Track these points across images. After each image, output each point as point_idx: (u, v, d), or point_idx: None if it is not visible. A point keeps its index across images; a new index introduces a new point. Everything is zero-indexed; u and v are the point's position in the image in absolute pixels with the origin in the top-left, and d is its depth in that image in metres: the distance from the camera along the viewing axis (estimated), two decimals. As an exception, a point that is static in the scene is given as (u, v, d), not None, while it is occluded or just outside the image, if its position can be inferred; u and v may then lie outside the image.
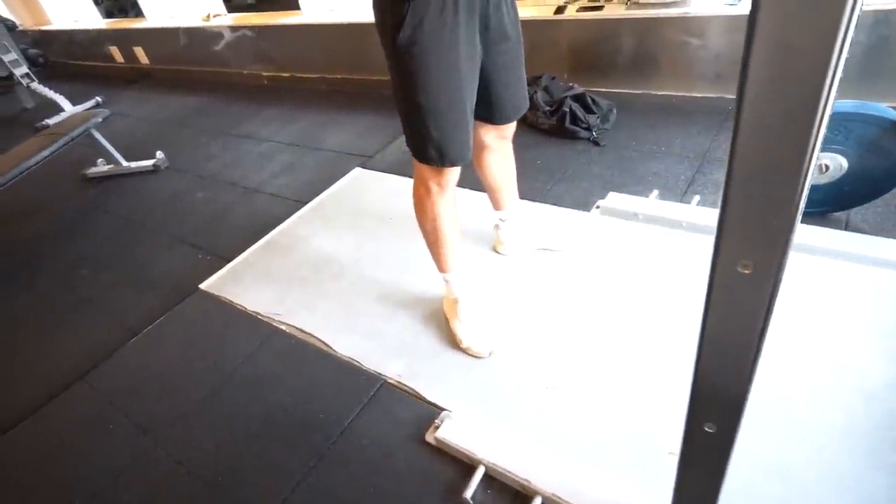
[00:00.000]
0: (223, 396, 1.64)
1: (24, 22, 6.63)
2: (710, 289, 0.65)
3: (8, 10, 6.53)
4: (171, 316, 2.02)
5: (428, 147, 1.29)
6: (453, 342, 1.59)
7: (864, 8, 2.14)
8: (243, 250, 2.27)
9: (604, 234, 1.90)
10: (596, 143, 2.44)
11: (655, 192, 2.01)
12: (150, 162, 3.34)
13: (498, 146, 1.61)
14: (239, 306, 1.96)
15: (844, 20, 0.37)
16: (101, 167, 3.45)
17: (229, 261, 2.23)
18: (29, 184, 2.82)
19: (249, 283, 2.07)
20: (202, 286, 2.11)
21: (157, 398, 1.70)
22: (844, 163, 1.68)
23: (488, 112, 1.43)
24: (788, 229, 0.56)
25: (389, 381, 1.54)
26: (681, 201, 2.00)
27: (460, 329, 1.58)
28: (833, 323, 1.42)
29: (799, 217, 0.52)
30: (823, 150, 1.67)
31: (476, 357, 1.54)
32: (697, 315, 0.60)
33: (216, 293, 2.06)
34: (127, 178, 3.33)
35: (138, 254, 2.53)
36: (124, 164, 3.37)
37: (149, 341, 1.94)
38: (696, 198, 1.95)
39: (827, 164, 1.71)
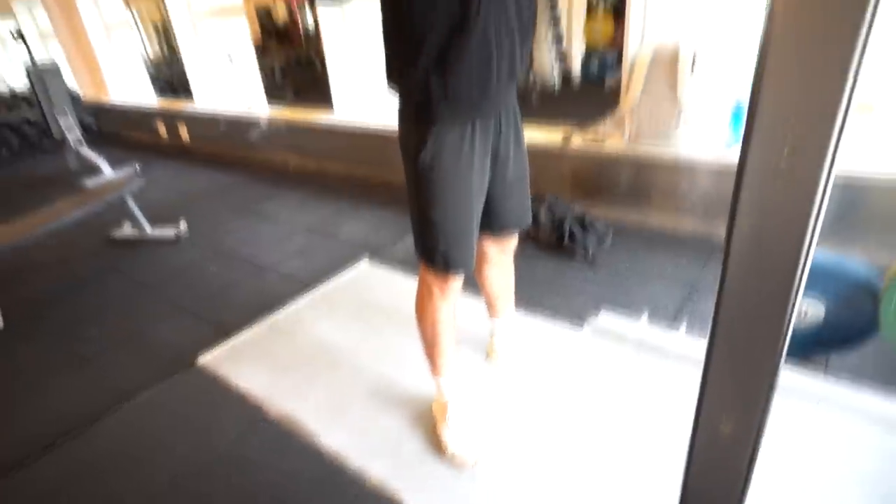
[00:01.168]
0: (199, 481, 1.55)
1: (86, 93, 7.05)
2: (692, 448, 0.64)
3: (76, 82, 6.97)
4: (165, 387, 1.97)
5: (435, 254, 1.33)
6: (439, 447, 1.54)
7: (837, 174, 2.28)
8: (246, 328, 2.25)
9: (594, 354, 1.89)
10: (592, 263, 2.49)
11: (645, 315, 2.03)
12: (172, 231, 3.41)
13: (498, 259, 1.64)
14: (233, 385, 1.91)
15: (821, 185, 0.40)
16: (127, 230, 3.52)
17: (231, 336, 2.21)
18: (56, 237, 2.86)
19: (246, 363, 2.03)
20: (200, 360, 2.07)
21: (133, 472, 1.61)
22: (822, 311, 1.71)
23: (490, 223, 1.47)
24: (771, 381, 0.56)
25: (372, 482, 1.47)
26: (670, 327, 2.01)
27: (447, 435, 1.53)
28: (810, 468, 1.38)
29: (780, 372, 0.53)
30: (804, 295, 1.71)
31: (460, 465, 1.49)
32: (679, 447, 0.58)
33: (212, 369, 2.02)
34: (148, 244, 3.38)
35: (144, 319, 2.51)
36: (148, 230, 3.43)
37: (137, 411, 1.87)
38: (684, 325, 1.97)
39: (806, 309, 1.74)
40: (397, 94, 1.25)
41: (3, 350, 2.38)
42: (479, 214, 1.36)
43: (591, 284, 2.34)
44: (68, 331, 2.47)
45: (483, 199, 1.35)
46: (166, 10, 5.25)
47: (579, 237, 2.54)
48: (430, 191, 1.25)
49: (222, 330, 2.29)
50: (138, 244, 3.40)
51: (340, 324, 2.21)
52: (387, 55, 1.21)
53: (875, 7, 0.34)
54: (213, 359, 2.08)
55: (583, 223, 2.60)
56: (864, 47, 0.35)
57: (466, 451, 1.50)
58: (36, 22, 8.02)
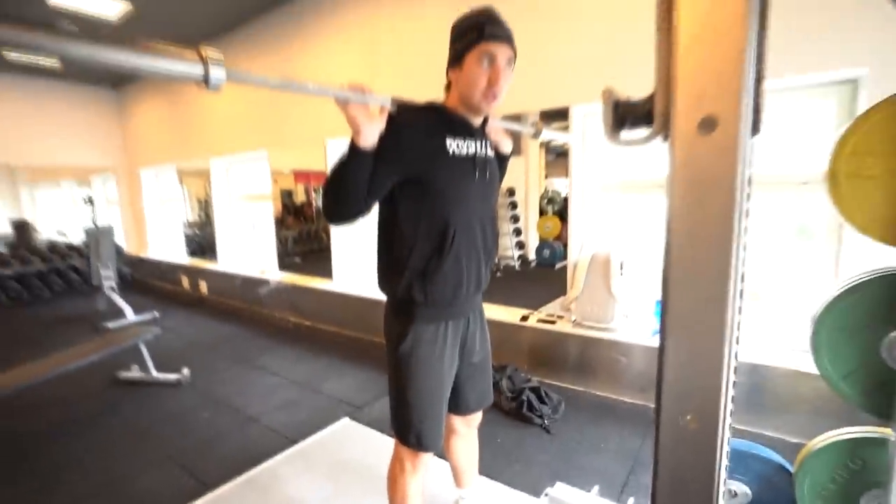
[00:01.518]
0: None
1: (129, 247, 7.21)
2: None
3: (124, 237, 7.17)
4: (132, 546, 1.70)
5: (409, 433, 1.28)
6: None
7: (742, 360, 2.38)
8: (226, 481, 2.02)
9: (550, 524, 1.73)
10: (547, 431, 2.40)
11: (596, 487, 1.90)
12: (175, 376, 3.23)
13: (465, 432, 1.58)
14: (200, 546, 1.67)
15: (725, 368, 0.42)
16: (133, 373, 3.32)
17: (209, 490, 1.97)
18: (64, 374, 2.68)
19: (219, 521, 1.80)
20: (174, 515, 1.83)
21: None
22: (749, 491, 1.64)
23: (457, 404, 1.45)
24: None
25: None
26: (618, 500, 1.88)
27: None
28: None
29: None
30: (731, 478, 1.65)
31: None
32: None
33: (184, 526, 1.77)
34: (151, 387, 3.17)
35: (128, 465, 2.24)
36: (154, 374, 3.25)
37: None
38: (631, 500, 1.84)
39: (735, 490, 1.67)
40: (386, 296, 1.32)
41: (-20, 494, 2.07)
42: (448, 398, 1.36)
43: (546, 454, 2.23)
44: (50, 477, 2.18)
45: (451, 382, 1.36)
46: (211, 192, 5.66)
47: (536, 407, 2.49)
48: (407, 376, 1.26)
49: (202, 481, 2.06)
50: (141, 387, 3.19)
51: (313, 484, 2.01)
52: (379, 266, 1.30)
53: (739, 243, 0.41)
54: (186, 515, 1.83)
55: (539, 393, 2.57)
56: (736, 261, 0.40)
57: None
58: (105, 190, 8.49)
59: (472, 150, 1.24)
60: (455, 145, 1.21)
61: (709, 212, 0.43)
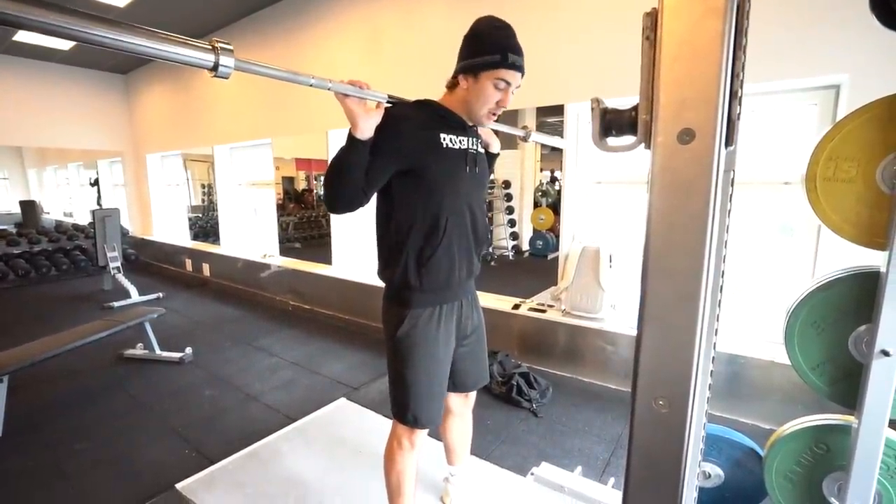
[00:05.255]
0: None
1: (135, 230, 7.18)
2: None
3: (129, 220, 7.14)
4: (138, 513, 1.74)
5: (407, 412, 1.31)
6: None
7: (720, 350, 2.42)
8: (228, 455, 2.06)
9: (535, 501, 1.78)
10: (535, 414, 2.45)
11: (579, 468, 1.95)
12: (178, 355, 3.25)
13: (461, 412, 1.62)
14: (204, 515, 1.71)
15: (696, 357, 0.45)
16: (138, 350, 3.35)
17: (212, 462, 2.01)
18: (73, 350, 2.70)
19: (221, 492, 1.83)
20: (178, 486, 1.86)
21: None
22: (721, 473, 1.70)
23: (454, 384, 1.48)
24: None
25: None
26: (599, 480, 1.93)
27: None
28: None
29: None
30: (705, 460, 1.71)
31: None
32: None
33: (188, 496, 1.80)
34: (154, 364, 3.20)
35: (133, 438, 2.28)
36: (158, 352, 3.27)
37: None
38: (612, 480, 1.89)
39: (709, 471, 1.72)
40: (385, 283, 1.35)
41: (-5, 462, 2.10)
42: (446, 379, 1.39)
43: (533, 435, 2.28)
44: (59, 445, 2.21)
45: (449, 364, 1.39)
46: (214, 177, 5.63)
47: (525, 391, 2.54)
48: (405, 358, 1.29)
49: (205, 454, 2.10)
50: (146, 364, 3.22)
51: (311, 459, 2.05)
52: (379, 255, 1.33)
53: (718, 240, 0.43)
54: (190, 485, 1.87)
55: (528, 378, 2.62)
56: (710, 260, 0.42)
57: None
58: (112, 174, 8.43)
59: (464, 145, 1.28)
60: (449, 139, 1.24)
61: (685, 214, 0.45)
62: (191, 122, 5.81)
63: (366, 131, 1.11)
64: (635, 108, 0.49)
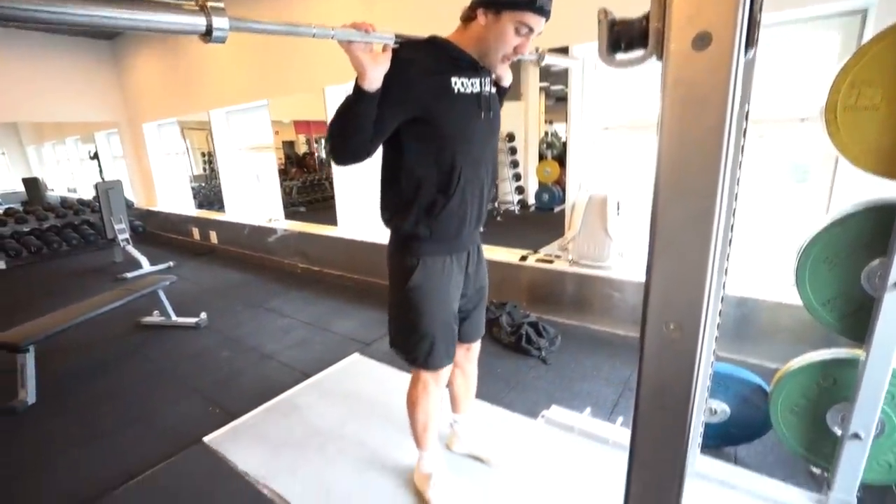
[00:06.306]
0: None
1: (139, 201, 7.18)
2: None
3: (133, 192, 7.12)
4: (171, 465, 1.82)
5: (428, 357, 1.35)
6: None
7: (729, 294, 2.42)
8: (248, 410, 2.14)
9: (546, 441, 1.85)
10: (544, 362, 2.50)
11: (588, 409, 2.01)
12: (193, 320, 3.33)
13: (464, 363, 1.64)
14: (232, 464, 1.79)
15: (708, 280, 0.45)
16: (154, 318, 3.42)
17: (235, 417, 2.10)
18: (92, 321, 2.77)
19: (246, 443, 1.92)
20: (205, 439, 1.95)
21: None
22: (728, 409, 1.74)
23: (459, 334, 1.50)
24: (681, 470, 0.57)
25: (347, 564, 1.35)
26: (608, 420, 1.99)
27: (435, 497, 1.47)
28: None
29: (692, 458, 0.54)
30: (712, 397, 1.74)
31: None
32: None
33: (215, 448, 1.89)
34: (171, 330, 3.28)
35: (159, 399, 2.37)
36: (173, 318, 3.35)
37: (142, 488, 1.71)
38: (620, 419, 1.95)
39: (715, 408, 1.76)
40: (391, 231, 1.33)
41: (32, 423, 2.21)
42: (457, 321, 1.40)
43: (543, 381, 2.33)
44: (89, 407, 2.31)
45: (457, 309, 1.40)
46: (213, 144, 5.55)
47: (534, 339, 2.58)
48: (419, 307, 1.30)
49: (228, 410, 2.18)
50: (163, 330, 3.30)
51: (329, 410, 2.13)
52: (383, 202, 1.29)
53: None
54: (216, 438, 1.96)
55: (536, 328, 2.65)
56: (725, 177, 0.40)
57: None
58: (110, 146, 8.34)
59: (476, 88, 1.20)
60: (460, 83, 1.16)
61: (700, 128, 0.43)
62: (184, 86, 5.65)
63: (374, 81, 1.03)
64: (646, 17, 0.46)
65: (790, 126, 2.35)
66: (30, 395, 2.38)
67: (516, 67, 5.62)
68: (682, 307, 0.48)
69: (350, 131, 1.08)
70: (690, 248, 0.45)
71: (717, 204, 0.44)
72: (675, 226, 0.45)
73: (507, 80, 1.37)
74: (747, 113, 0.43)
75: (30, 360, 2.42)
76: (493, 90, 1.29)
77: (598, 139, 2.90)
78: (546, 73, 7.48)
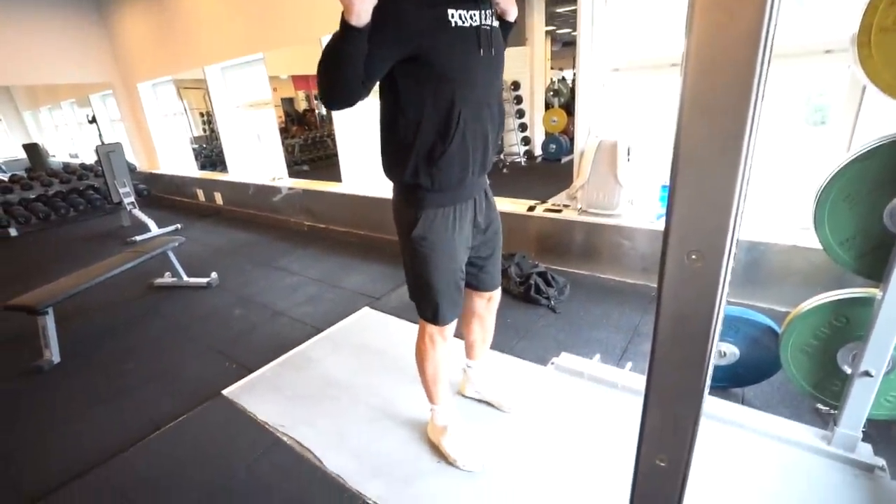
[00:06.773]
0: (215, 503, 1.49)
1: (141, 165, 7.12)
2: (636, 475, 0.64)
3: (134, 156, 7.05)
4: (193, 416, 1.90)
5: (437, 310, 1.34)
6: (429, 468, 1.50)
7: (741, 238, 2.38)
8: (263, 364, 2.20)
9: (557, 387, 1.88)
10: (553, 311, 2.52)
11: (598, 355, 2.03)
12: (204, 280, 3.37)
13: (485, 314, 1.63)
14: (251, 414, 1.86)
15: (735, 206, 0.42)
16: (167, 279, 3.47)
17: (251, 371, 2.16)
18: (107, 283, 2.82)
19: (263, 395, 1.98)
20: (224, 392, 2.02)
21: (159, 497, 1.53)
22: (737, 351, 1.75)
23: (477, 284, 1.51)
24: (696, 414, 0.56)
25: (370, 501, 1.41)
26: (617, 365, 2.02)
27: (452, 449, 1.52)
28: (727, 484, 1.37)
29: (706, 394, 0.53)
30: (721, 340, 1.75)
31: (470, 470, 1.48)
32: (625, 462, 0.59)
33: (234, 400, 1.96)
34: (184, 291, 3.34)
35: (177, 356, 2.44)
36: (185, 279, 3.39)
37: (167, 438, 1.79)
38: (629, 364, 1.98)
39: (724, 350, 1.78)
40: (393, 182, 1.29)
41: (58, 381, 2.30)
42: (464, 275, 1.38)
43: (552, 329, 2.36)
44: (113, 366, 2.39)
45: (466, 259, 1.37)
46: (211, 102, 5.40)
47: (543, 289, 2.58)
48: (424, 259, 1.28)
49: (244, 365, 2.24)
50: (176, 290, 3.35)
51: (342, 362, 2.18)
52: (383, 151, 1.24)
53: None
54: (235, 391, 2.02)
55: (545, 277, 2.65)
56: (758, 88, 0.37)
57: (472, 459, 1.50)
58: (107, 109, 8.17)
59: (475, 21, 1.11)
60: (458, 16, 1.08)
61: (731, 35, 0.38)
62: (175, 42, 5.44)
63: (362, 15, 0.94)
64: None
65: (813, 59, 2.20)
66: (54, 354, 2.46)
67: (521, 11, 5.31)
68: (707, 235, 0.45)
69: (339, 73, 1.01)
70: (717, 171, 0.42)
71: (749, 122, 0.40)
72: (701, 147, 0.42)
73: (512, 14, 1.27)
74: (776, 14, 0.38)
75: (50, 321, 2.48)
76: (496, 24, 1.20)
77: (607, 81, 2.77)
78: (552, 17, 7.06)
